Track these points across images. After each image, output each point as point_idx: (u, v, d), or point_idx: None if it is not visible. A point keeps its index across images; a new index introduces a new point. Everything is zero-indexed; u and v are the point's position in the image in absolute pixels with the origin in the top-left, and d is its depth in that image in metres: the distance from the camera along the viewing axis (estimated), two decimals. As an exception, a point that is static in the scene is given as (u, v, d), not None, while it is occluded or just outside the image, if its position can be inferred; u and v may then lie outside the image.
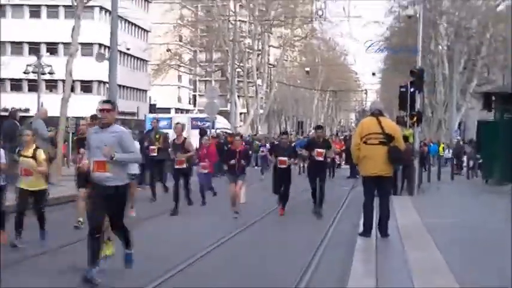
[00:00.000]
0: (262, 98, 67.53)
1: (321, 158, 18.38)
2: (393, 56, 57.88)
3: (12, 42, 71.03)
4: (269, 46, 70.16)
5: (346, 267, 10.57)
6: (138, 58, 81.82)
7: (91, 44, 67.59)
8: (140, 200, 19.48)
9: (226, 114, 58.65)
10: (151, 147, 21.44)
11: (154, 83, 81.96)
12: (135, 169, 16.46)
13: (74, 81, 54.50)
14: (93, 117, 23.75)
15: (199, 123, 43.47)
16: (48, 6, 71.60)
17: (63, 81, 32.86)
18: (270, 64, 71.91)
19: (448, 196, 24.83)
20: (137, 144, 17.16)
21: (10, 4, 68.64)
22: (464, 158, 38.49)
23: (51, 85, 65.93)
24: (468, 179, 34.20)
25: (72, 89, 59.92)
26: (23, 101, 60.87)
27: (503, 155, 26.67)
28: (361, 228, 13.77)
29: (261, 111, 68.80)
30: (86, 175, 10.27)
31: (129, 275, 10.02)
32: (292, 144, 24.10)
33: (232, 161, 17.91)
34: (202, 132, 36.74)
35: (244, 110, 74.64)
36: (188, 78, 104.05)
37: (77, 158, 14.94)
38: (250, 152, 21.29)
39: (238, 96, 68.29)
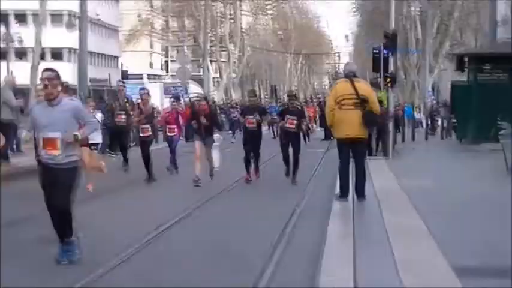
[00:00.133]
0: (235, 62, 67.22)
1: (292, 127, 17.64)
2: (366, 20, 57.76)
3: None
4: (241, 12, 69.67)
5: (323, 231, 10.44)
6: (109, 27, 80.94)
7: (61, 12, 66.69)
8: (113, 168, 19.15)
9: (199, 80, 58.30)
10: (118, 112, 20.45)
11: (126, 49, 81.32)
12: (97, 138, 15.96)
13: (44, 48, 54.13)
14: (65, 88, 23.55)
15: (172, 89, 43.13)
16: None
17: (33, 49, 32.44)
18: (242, 30, 71.47)
19: (424, 156, 24.90)
20: (99, 115, 16.72)
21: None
22: (439, 119, 38.60)
23: (21, 53, 64.98)
24: (442, 139, 34.33)
25: (43, 57, 59.62)
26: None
27: (477, 116, 26.71)
28: (337, 192, 13.70)
29: (234, 75, 68.50)
30: None
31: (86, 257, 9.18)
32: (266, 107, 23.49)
33: (195, 124, 17.51)
34: (177, 99, 36.49)
35: (217, 75, 74.25)
36: (160, 45, 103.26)
37: None
38: (216, 114, 20.58)
39: (210, 61, 67.91)
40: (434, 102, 47.19)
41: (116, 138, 20.71)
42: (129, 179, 18.27)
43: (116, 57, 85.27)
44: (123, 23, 75.68)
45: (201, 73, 60.78)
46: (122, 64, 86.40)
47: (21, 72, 35.60)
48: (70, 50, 68.17)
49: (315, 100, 50.70)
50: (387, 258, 8.49)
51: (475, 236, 9.86)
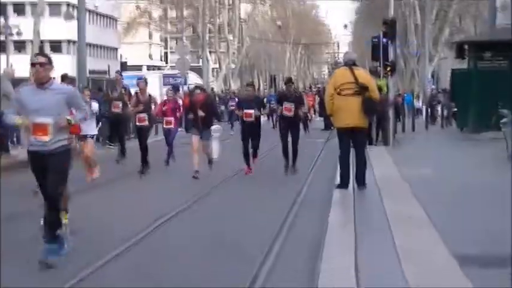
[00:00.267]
0: (234, 53, 67.10)
1: (289, 114, 17.21)
2: (365, 7, 57.63)
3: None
4: (239, 0, 69.52)
5: (324, 221, 10.39)
6: (107, 16, 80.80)
7: (59, 4, 66.61)
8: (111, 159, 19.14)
9: (198, 71, 58.23)
10: (115, 102, 20.54)
11: (125, 40, 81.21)
12: (92, 130, 15.84)
13: (42, 41, 54.03)
14: (64, 77, 23.47)
15: (171, 80, 43.05)
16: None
17: (32, 41, 32.34)
18: (241, 19, 71.33)
19: (424, 145, 24.82)
20: (95, 105, 16.66)
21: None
22: (439, 108, 38.47)
23: (20, 46, 64.89)
24: (443, 128, 34.23)
25: (42, 49, 59.48)
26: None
27: (478, 103, 26.61)
28: (338, 181, 13.66)
29: (233, 66, 68.40)
30: None
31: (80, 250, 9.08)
32: (264, 99, 22.92)
33: (191, 115, 17.14)
34: (175, 89, 36.42)
35: (216, 66, 74.17)
36: (159, 35, 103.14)
37: None
38: (213, 105, 19.86)
39: (209, 52, 67.78)
40: (434, 90, 47.12)
41: (114, 129, 20.63)
42: (126, 171, 18.03)
43: (115, 49, 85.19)
44: (121, 13, 75.43)
45: (201, 64, 60.65)
46: (121, 55, 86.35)
47: (20, 65, 35.57)
48: (69, 41, 68.05)
49: (314, 89, 50.63)
50: (388, 247, 8.47)
51: (475, 225, 9.82)
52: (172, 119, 19.38)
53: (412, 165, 17.01)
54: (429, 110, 37.80)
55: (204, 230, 10.67)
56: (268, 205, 12.77)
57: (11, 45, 58.28)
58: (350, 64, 13.59)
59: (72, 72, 35.64)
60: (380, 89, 19.23)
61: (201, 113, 16.79)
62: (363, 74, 13.77)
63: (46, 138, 8.25)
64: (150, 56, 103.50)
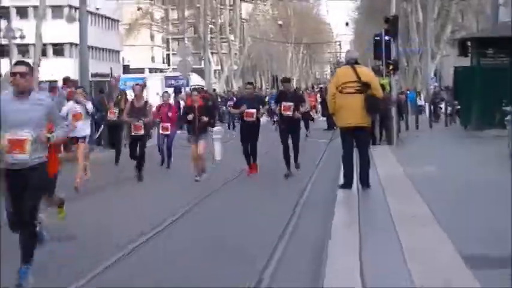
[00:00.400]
0: (236, 54, 67.05)
1: (289, 113, 16.73)
2: (366, 5, 57.50)
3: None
4: (240, 0, 69.45)
5: (328, 221, 10.32)
6: (109, 18, 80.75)
7: (61, 6, 66.61)
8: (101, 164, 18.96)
9: (200, 72, 58.18)
10: (113, 109, 20.07)
11: (127, 43, 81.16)
12: (84, 131, 15.56)
13: (45, 44, 53.99)
14: (66, 80, 23.42)
15: (173, 82, 43.03)
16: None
17: (35, 45, 32.28)
18: (242, 19, 71.27)
19: (428, 144, 24.73)
20: (90, 105, 16.15)
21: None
22: (442, 105, 38.32)
23: (23, 49, 64.88)
24: (446, 126, 34.09)
25: (44, 53, 59.54)
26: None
27: (481, 101, 26.51)
28: (341, 181, 13.57)
29: (235, 67, 68.35)
30: None
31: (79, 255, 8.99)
32: (266, 98, 22.18)
33: (190, 116, 16.30)
34: (177, 91, 36.45)
35: (219, 67, 74.12)
36: (161, 37, 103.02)
37: None
38: (212, 107, 19.06)
39: (211, 53, 67.73)
40: (437, 88, 46.93)
41: (112, 135, 20.46)
42: (124, 176, 17.50)
43: (117, 52, 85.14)
44: (122, 14, 75.43)
45: (203, 65, 60.59)
46: (123, 58, 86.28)
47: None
48: (71, 44, 68.00)
49: (316, 89, 50.51)
50: (393, 246, 8.42)
51: (480, 223, 9.75)
52: (168, 124, 19.03)
53: (416, 164, 16.92)
54: (432, 108, 37.68)
55: (205, 232, 10.56)
56: (271, 207, 12.63)
57: (15, 48, 58.36)
58: (352, 63, 13.51)
59: (74, 75, 35.60)
60: (383, 87, 19.15)
61: (204, 119, 16.36)
62: (366, 72, 13.71)
63: (24, 156, 7.47)
64: (153, 59, 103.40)
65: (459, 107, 32.17)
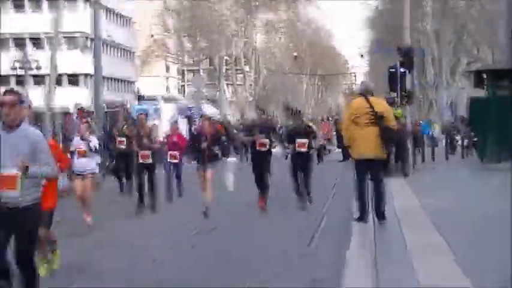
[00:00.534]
0: (251, 85, 67.15)
1: (304, 149, 16.34)
2: (381, 37, 57.53)
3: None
4: (255, 32, 69.68)
5: (343, 255, 10.16)
6: (124, 49, 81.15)
7: (76, 36, 66.97)
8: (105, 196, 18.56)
9: (215, 103, 58.23)
10: (119, 138, 19.64)
11: (142, 74, 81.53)
12: (91, 167, 15.02)
13: (60, 74, 54.22)
14: (80, 110, 23.44)
15: (187, 111, 42.96)
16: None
17: (49, 75, 32.43)
18: (257, 50, 71.47)
19: (444, 175, 24.48)
20: (95, 140, 15.39)
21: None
22: (458, 137, 38.04)
23: (39, 80, 65.23)
24: (463, 158, 33.76)
25: (59, 82, 59.78)
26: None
27: (497, 132, 26.28)
28: (356, 214, 13.35)
29: (250, 98, 68.44)
30: None
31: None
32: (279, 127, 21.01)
33: (204, 144, 15.68)
34: (191, 120, 36.38)
35: (233, 98, 74.25)
36: (176, 68, 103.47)
37: None
38: (223, 136, 18.13)
39: (227, 84, 67.87)
40: (453, 119, 46.73)
41: (121, 165, 19.89)
42: (131, 208, 16.88)
43: (132, 82, 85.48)
44: (137, 43, 75.90)
45: (217, 96, 60.71)
46: (138, 89, 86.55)
47: (38, 99, 35.64)
48: (86, 75, 68.25)
49: (331, 120, 50.29)
50: (409, 278, 8.29)
51: (495, 255, 9.58)
52: (176, 153, 18.55)
53: (432, 196, 16.71)
54: (448, 140, 37.40)
55: (219, 260, 10.46)
56: (284, 238, 12.43)
57: (30, 79, 58.68)
58: (366, 94, 13.37)
59: (88, 105, 35.68)
60: (397, 118, 18.99)
61: (213, 150, 15.92)
62: (380, 103, 13.55)
63: (14, 193, 7.01)
64: (167, 89, 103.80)
65: (475, 139, 31.90)
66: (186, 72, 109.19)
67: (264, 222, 14.87)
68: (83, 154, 14.82)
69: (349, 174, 20.18)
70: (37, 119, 24.90)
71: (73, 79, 70.68)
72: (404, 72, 24.50)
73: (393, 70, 24.83)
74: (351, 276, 8.95)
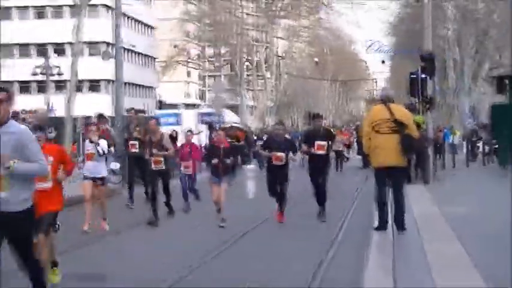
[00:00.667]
0: (271, 91, 67.09)
1: (322, 152, 15.70)
2: (402, 42, 57.26)
3: (20, 45, 70.82)
4: (276, 38, 69.64)
5: (362, 264, 10.07)
6: (145, 55, 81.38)
7: (97, 43, 67.31)
8: (116, 205, 18.19)
9: (236, 108, 58.20)
10: (131, 142, 19.06)
11: (163, 79, 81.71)
12: (103, 171, 14.77)
13: (81, 80, 54.41)
14: (100, 117, 23.42)
15: (207, 118, 42.94)
16: (52, 6, 71.26)
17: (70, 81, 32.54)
18: (278, 56, 71.40)
19: (465, 184, 24.25)
20: (104, 144, 15.01)
21: (15, 6, 68.64)
22: (479, 144, 37.76)
23: (60, 85, 65.56)
24: (484, 165, 33.50)
25: (80, 89, 60.05)
26: (32, 103, 60.59)
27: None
28: (376, 223, 13.22)
29: (271, 104, 68.36)
30: None
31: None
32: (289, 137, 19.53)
33: (215, 160, 15.28)
34: (211, 127, 36.30)
35: (254, 104, 74.20)
36: (197, 74, 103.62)
37: None
38: (238, 148, 17.00)
39: (247, 89, 67.85)
40: (474, 126, 46.40)
41: (133, 170, 19.24)
42: (132, 220, 16.31)
43: (153, 88, 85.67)
44: (159, 51, 76.16)
45: (238, 101, 60.70)
46: (159, 94, 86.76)
47: (60, 105, 35.85)
48: (107, 81, 68.53)
49: (352, 126, 50.10)
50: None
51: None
52: (190, 163, 18.04)
53: (452, 204, 16.57)
54: (470, 147, 37.15)
55: (234, 274, 10.29)
56: (303, 248, 12.27)
57: (52, 85, 59.01)
58: (387, 101, 13.25)
59: (110, 111, 35.78)
60: (418, 125, 18.84)
61: (227, 161, 15.40)
62: (401, 111, 13.41)
63: (1, 194, 6.72)
64: (187, 95, 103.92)
65: (497, 145, 31.67)
66: (207, 78, 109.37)
67: (282, 230, 14.70)
68: (90, 157, 14.72)
69: (370, 181, 20.08)
70: (58, 124, 24.90)
71: (94, 85, 71.03)
72: (426, 78, 24.30)
73: (414, 76, 24.63)
74: (370, 285, 8.87)
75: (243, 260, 11.43)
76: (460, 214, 14.76)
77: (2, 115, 6.82)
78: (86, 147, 15.08)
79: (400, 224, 12.84)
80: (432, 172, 23.94)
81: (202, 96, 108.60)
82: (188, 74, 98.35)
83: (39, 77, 54.34)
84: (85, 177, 14.82)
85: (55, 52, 68.62)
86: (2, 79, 61.24)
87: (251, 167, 18.09)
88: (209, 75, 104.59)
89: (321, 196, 15.82)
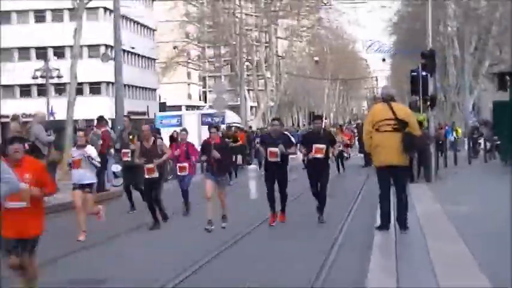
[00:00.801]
0: (272, 90, 67.00)
1: (320, 155, 15.13)
2: (403, 41, 57.20)
3: (20, 48, 70.84)
4: (276, 38, 69.59)
5: (364, 264, 10.00)
6: (145, 57, 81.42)
7: (97, 46, 67.32)
8: (117, 209, 18.19)
9: (237, 109, 58.14)
10: (124, 150, 18.51)
11: (164, 81, 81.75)
12: (91, 178, 14.17)
13: (82, 83, 54.40)
14: (100, 119, 23.36)
15: (209, 119, 42.86)
16: (52, 10, 71.26)
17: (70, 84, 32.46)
18: (278, 56, 71.33)
19: (468, 181, 24.12)
20: (93, 151, 14.43)
21: (15, 10, 68.67)
22: (481, 141, 37.68)
23: (60, 89, 65.57)
24: (486, 162, 33.40)
25: (81, 92, 60.04)
26: (33, 106, 60.58)
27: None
28: (378, 222, 13.14)
29: (272, 103, 68.29)
30: None
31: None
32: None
33: (204, 157, 15.01)
34: (216, 128, 36.11)
35: (255, 104, 74.16)
36: (197, 75, 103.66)
37: None
38: (235, 148, 16.03)
39: (248, 90, 67.80)
40: (476, 123, 46.31)
41: (128, 178, 18.70)
42: (132, 224, 16.03)
43: (154, 90, 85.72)
44: (159, 53, 76.20)
45: (239, 102, 60.64)
46: (159, 96, 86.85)
47: (61, 108, 35.81)
48: (108, 83, 68.53)
49: (353, 125, 50.04)
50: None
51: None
52: (186, 164, 17.47)
53: (455, 202, 16.48)
54: (471, 143, 37.03)
55: (236, 275, 10.22)
56: (305, 248, 12.20)
57: (52, 88, 58.98)
58: (388, 99, 13.15)
59: (111, 113, 35.71)
60: (420, 123, 18.75)
61: (216, 155, 14.90)
62: (402, 108, 13.32)
63: None
64: (189, 96, 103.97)
65: (499, 142, 31.60)
66: (207, 79, 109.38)
67: (283, 230, 14.54)
68: (78, 164, 14.13)
69: (372, 180, 20.00)
70: (59, 128, 24.79)
71: (95, 88, 71.02)
72: (427, 75, 24.18)
73: (415, 73, 24.51)
74: (373, 285, 8.83)
75: (244, 260, 11.37)
76: (463, 212, 14.69)
77: None
78: (72, 153, 14.47)
79: (402, 223, 12.77)
80: (434, 170, 23.82)
81: (204, 98, 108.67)
82: (188, 75, 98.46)
83: (40, 81, 54.29)
84: (74, 187, 14.24)
85: (55, 55, 68.68)
86: (3, 83, 61.41)
87: (252, 166, 17.96)
88: (209, 76, 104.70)
89: (320, 201, 15.43)
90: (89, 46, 65.89)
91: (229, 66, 75.00)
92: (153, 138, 15.82)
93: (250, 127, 52.85)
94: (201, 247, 12.37)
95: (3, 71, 56.63)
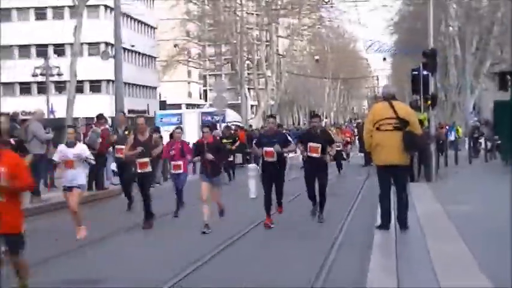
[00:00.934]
0: (272, 89, 66.92)
1: (316, 155, 14.92)
2: (404, 40, 57.14)
3: (20, 46, 70.81)
4: (277, 36, 69.52)
5: (364, 264, 9.95)
6: (145, 55, 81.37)
7: (97, 43, 67.29)
8: (116, 207, 18.03)
9: (237, 108, 58.12)
10: (118, 146, 18.20)
11: (164, 79, 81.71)
12: (79, 179, 13.73)
13: (82, 81, 54.35)
14: (99, 117, 23.30)
15: (209, 117, 42.83)
16: (53, 7, 71.23)
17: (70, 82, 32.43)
18: (279, 54, 71.26)
19: (468, 181, 24.11)
20: (85, 149, 14.21)
21: (16, 7, 68.61)
22: (482, 140, 37.63)
23: (60, 86, 65.51)
24: (486, 162, 33.35)
25: (81, 90, 60.00)
26: (33, 104, 60.52)
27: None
28: (378, 221, 13.07)
29: (272, 102, 68.23)
30: None
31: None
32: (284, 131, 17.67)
33: (196, 158, 14.83)
34: (212, 127, 36.11)
35: (255, 103, 74.11)
36: (198, 73, 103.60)
37: None
38: (221, 148, 15.69)
39: (248, 88, 67.76)
40: (476, 122, 46.24)
41: (121, 175, 18.60)
42: (130, 223, 15.62)
43: (154, 88, 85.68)
44: (159, 51, 76.17)
45: (239, 101, 60.62)
46: (160, 94, 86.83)
47: (61, 106, 35.74)
48: (108, 81, 68.49)
49: (353, 124, 50.02)
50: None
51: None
52: (181, 163, 17.02)
53: (455, 202, 16.42)
54: (472, 143, 36.98)
55: (235, 275, 10.14)
56: (305, 248, 12.11)
57: (52, 86, 58.92)
58: (389, 98, 13.08)
59: (111, 111, 35.69)
60: (421, 122, 18.67)
61: (210, 157, 14.52)
62: (403, 107, 13.26)
63: None
64: (190, 94, 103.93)
65: (499, 142, 31.56)
66: (208, 77, 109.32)
67: (283, 230, 14.33)
68: (70, 165, 13.67)
69: (372, 179, 19.93)
70: (59, 126, 24.76)
71: (95, 86, 70.98)
72: (428, 74, 24.12)
73: (416, 73, 24.45)
74: (373, 285, 8.79)
75: (244, 260, 11.31)
76: (463, 212, 14.65)
77: None
78: (62, 152, 13.84)
79: (403, 223, 12.71)
80: (435, 170, 23.76)
81: (204, 96, 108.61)
82: (189, 73, 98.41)
83: (40, 78, 54.24)
84: (64, 188, 13.93)
85: (55, 53, 68.65)
86: (3, 81, 61.34)
87: (252, 165, 17.88)
88: (210, 75, 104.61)
89: (320, 200, 15.26)
90: (89, 44, 65.85)
91: (229, 64, 74.92)
92: (148, 132, 15.50)
93: (251, 126, 52.76)
94: (199, 247, 12.28)
95: (3, 69, 56.54)
